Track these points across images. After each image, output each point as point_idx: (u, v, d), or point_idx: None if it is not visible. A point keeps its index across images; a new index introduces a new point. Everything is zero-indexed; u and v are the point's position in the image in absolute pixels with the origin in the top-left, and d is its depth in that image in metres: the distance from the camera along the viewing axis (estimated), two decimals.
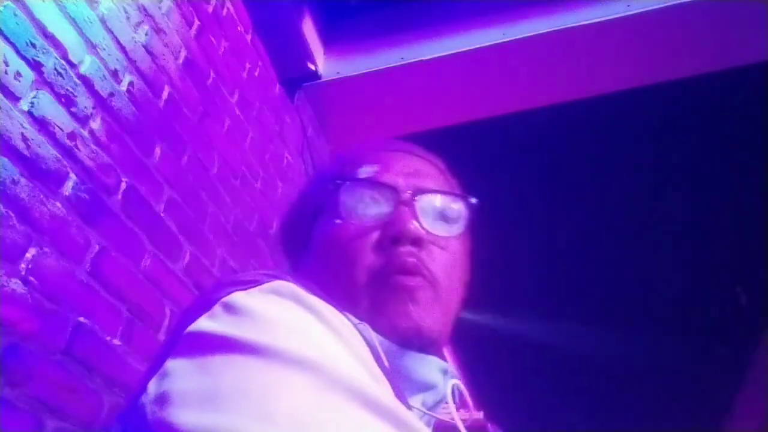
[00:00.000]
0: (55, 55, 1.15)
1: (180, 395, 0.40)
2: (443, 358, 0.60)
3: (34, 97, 1.08)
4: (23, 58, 1.07)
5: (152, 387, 0.43)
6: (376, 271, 0.59)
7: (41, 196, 1.07)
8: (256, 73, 2.04)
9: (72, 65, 1.19)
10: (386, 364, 0.52)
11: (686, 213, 3.05)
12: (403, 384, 0.54)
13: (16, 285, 1.00)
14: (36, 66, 1.09)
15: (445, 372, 0.58)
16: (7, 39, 1.03)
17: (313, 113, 2.40)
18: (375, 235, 0.61)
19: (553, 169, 2.85)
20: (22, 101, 1.06)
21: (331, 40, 2.39)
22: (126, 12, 1.38)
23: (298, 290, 0.49)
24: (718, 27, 2.10)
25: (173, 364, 0.44)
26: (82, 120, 1.20)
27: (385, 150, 0.69)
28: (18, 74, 1.05)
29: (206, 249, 1.60)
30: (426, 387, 0.57)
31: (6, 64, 1.03)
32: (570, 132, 2.62)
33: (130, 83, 1.37)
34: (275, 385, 0.39)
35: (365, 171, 0.65)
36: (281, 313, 0.46)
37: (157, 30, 1.49)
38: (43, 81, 1.11)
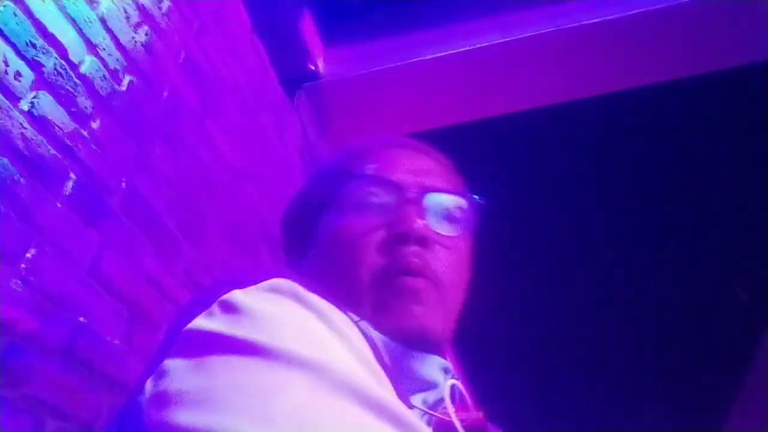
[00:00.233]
0: (55, 55, 1.14)
1: (177, 395, 0.40)
2: (444, 357, 0.60)
3: (34, 97, 1.08)
4: (23, 58, 1.07)
5: (149, 387, 0.43)
6: (380, 271, 0.58)
7: (41, 196, 1.07)
8: (256, 73, 2.04)
9: (72, 65, 1.19)
10: (388, 362, 0.52)
11: (686, 213, 3.05)
12: (404, 382, 0.54)
13: (16, 285, 1.00)
14: (36, 66, 1.09)
15: (446, 371, 0.58)
16: (7, 39, 1.03)
17: (313, 113, 2.40)
18: (380, 233, 0.60)
19: (552, 168, 2.84)
20: (22, 101, 1.05)
21: (331, 40, 2.38)
22: (126, 12, 1.38)
23: (298, 288, 0.48)
24: (718, 27, 2.10)
25: (170, 364, 0.43)
26: (82, 120, 1.20)
27: (391, 146, 0.68)
28: (18, 74, 1.05)
29: (206, 249, 1.60)
30: (427, 386, 0.56)
31: (6, 64, 1.03)
32: (570, 132, 2.62)
33: (130, 83, 1.37)
34: (274, 386, 0.39)
35: (371, 167, 0.64)
36: (280, 312, 0.45)
37: (157, 30, 1.49)
38: (43, 81, 1.11)
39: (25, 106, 1.06)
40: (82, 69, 1.22)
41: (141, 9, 1.44)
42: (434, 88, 2.31)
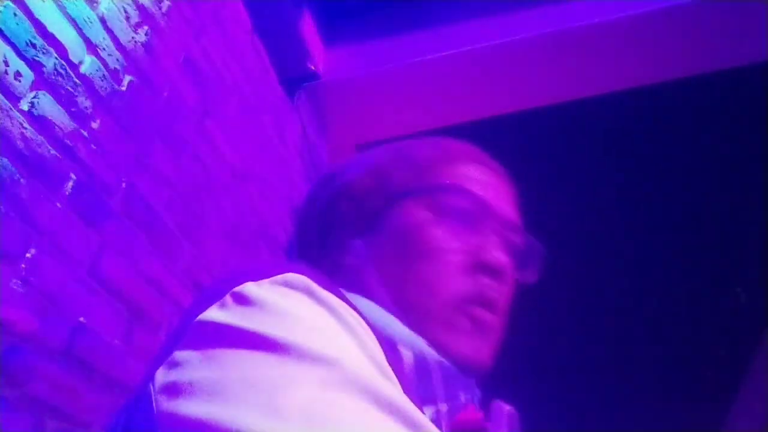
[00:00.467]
0: (55, 55, 1.14)
1: (188, 386, 0.40)
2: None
3: (34, 97, 1.08)
4: (23, 58, 1.07)
5: (159, 377, 0.43)
6: (460, 295, 0.58)
7: (41, 196, 1.07)
8: (256, 73, 2.04)
9: (72, 65, 1.19)
10: (404, 367, 0.53)
11: (686, 213, 3.05)
12: (420, 390, 0.53)
13: (16, 285, 1.00)
14: (36, 66, 1.09)
15: (466, 389, 0.57)
16: (7, 39, 1.03)
17: (313, 113, 2.40)
18: (465, 254, 0.59)
19: (552, 168, 2.84)
20: (22, 101, 1.05)
21: (331, 40, 2.39)
22: (126, 12, 1.38)
23: (312, 284, 0.48)
24: (718, 27, 2.10)
25: (182, 355, 0.43)
26: (82, 120, 1.20)
27: (483, 164, 0.66)
28: (18, 74, 1.05)
29: (206, 249, 1.60)
30: (445, 399, 0.56)
31: (6, 64, 1.03)
32: (570, 132, 2.62)
33: (130, 83, 1.37)
34: (285, 380, 0.39)
35: (470, 181, 0.62)
36: (293, 306, 0.45)
37: (157, 30, 1.49)
38: (43, 81, 1.11)
39: (25, 106, 1.06)
40: (82, 69, 1.22)
41: (141, 9, 1.44)
42: (434, 88, 2.31)
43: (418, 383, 0.54)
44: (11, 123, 1.03)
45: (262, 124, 2.02)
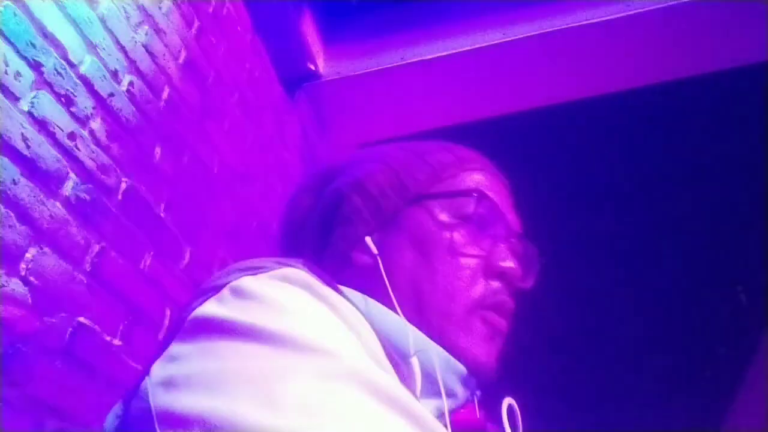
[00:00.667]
0: (55, 55, 1.14)
1: (184, 379, 0.40)
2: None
3: (34, 97, 1.08)
4: (23, 58, 1.07)
5: (156, 370, 0.43)
6: (477, 299, 0.59)
7: (41, 196, 1.07)
8: (256, 73, 2.04)
9: (72, 65, 1.19)
10: (405, 360, 0.53)
11: (686, 213, 3.05)
12: (422, 384, 0.54)
13: (16, 285, 1.00)
14: (36, 66, 1.09)
15: (466, 383, 0.57)
16: (7, 39, 1.03)
17: (313, 113, 2.40)
18: (482, 260, 0.61)
19: (552, 168, 2.84)
20: (22, 101, 1.05)
21: (331, 40, 2.39)
22: (126, 12, 1.38)
23: (310, 279, 0.48)
24: (718, 27, 2.10)
25: (178, 348, 0.43)
26: (82, 120, 1.20)
27: (494, 174, 0.68)
28: (18, 74, 1.05)
29: (206, 249, 1.60)
30: (442, 393, 0.56)
31: (6, 64, 1.03)
32: (570, 132, 2.62)
33: (130, 83, 1.37)
34: (281, 371, 0.39)
35: (486, 190, 0.63)
36: (290, 300, 0.45)
37: (157, 30, 1.49)
38: (43, 81, 1.11)
39: (25, 106, 1.06)
40: (82, 69, 1.22)
41: (141, 9, 1.44)
42: (434, 88, 2.31)
43: (421, 379, 0.54)
44: (11, 123, 1.03)
45: (262, 124, 2.02)
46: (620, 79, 2.29)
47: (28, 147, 1.05)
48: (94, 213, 1.20)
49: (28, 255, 1.03)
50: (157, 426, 0.39)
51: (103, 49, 1.29)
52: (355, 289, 0.57)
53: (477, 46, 2.19)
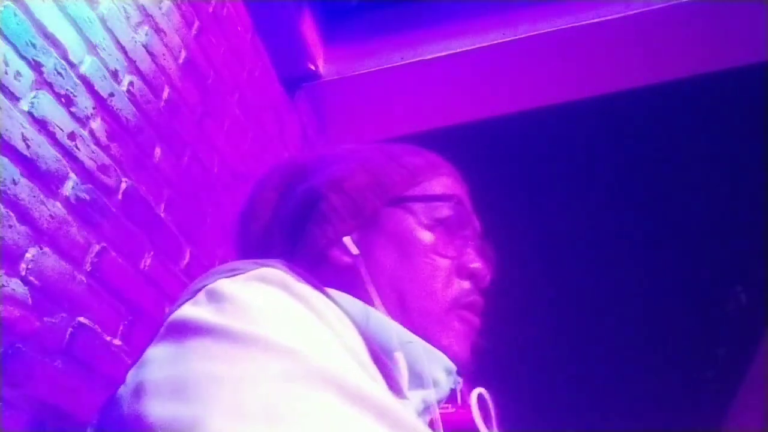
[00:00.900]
0: (55, 55, 1.14)
1: (153, 385, 0.40)
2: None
3: (34, 97, 1.08)
4: (23, 58, 1.07)
5: (130, 377, 0.43)
6: (452, 298, 0.61)
7: (41, 196, 1.07)
8: (256, 73, 2.04)
9: (72, 65, 1.19)
10: (384, 356, 0.54)
11: (686, 213, 3.05)
12: (408, 376, 0.54)
13: (16, 285, 1.00)
14: (36, 66, 1.09)
15: (449, 372, 0.59)
16: (7, 39, 1.03)
17: (313, 113, 2.40)
18: (455, 261, 0.63)
19: (552, 168, 2.84)
20: (22, 101, 1.05)
21: (331, 40, 2.39)
22: (126, 12, 1.38)
23: (287, 278, 0.48)
24: (718, 27, 2.10)
25: (151, 352, 0.43)
26: (82, 120, 1.20)
27: (458, 178, 0.70)
28: (18, 74, 1.05)
29: (206, 249, 1.60)
30: (428, 384, 0.57)
31: (6, 64, 1.03)
32: (569, 132, 2.62)
33: (130, 83, 1.37)
34: (248, 373, 0.38)
35: (455, 193, 0.66)
36: (265, 300, 0.45)
37: (157, 30, 1.49)
38: (43, 81, 1.11)
39: (25, 106, 1.06)
40: (82, 69, 1.22)
41: (141, 9, 1.44)
42: (434, 88, 2.31)
43: (405, 372, 0.55)
44: (11, 123, 1.03)
45: (262, 124, 2.02)
46: (620, 79, 2.29)
47: (28, 147, 1.05)
48: (94, 213, 1.20)
49: (28, 255, 1.03)
50: None
51: (103, 49, 1.29)
52: (337, 286, 0.57)
53: (477, 46, 2.19)
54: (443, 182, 0.67)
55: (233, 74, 1.87)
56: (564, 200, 2.97)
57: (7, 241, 0.99)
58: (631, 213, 3.07)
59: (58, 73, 1.15)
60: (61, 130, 1.14)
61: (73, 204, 1.15)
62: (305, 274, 0.54)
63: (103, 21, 1.29)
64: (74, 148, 1.17)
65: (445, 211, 0.64)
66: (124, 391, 0.42)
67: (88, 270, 1.17)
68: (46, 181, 1.09)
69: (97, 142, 1.23)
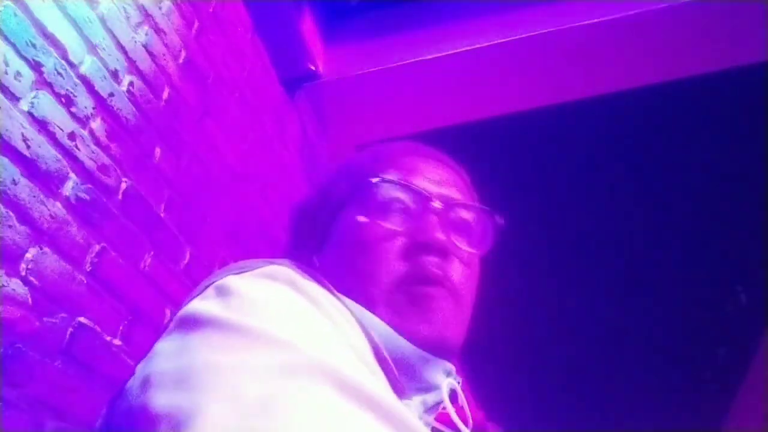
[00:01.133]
0: (55, 55, 1.15)
1: (158, 376, 0.41)
2: (452, 362, 0.60)
3: (34, 97, 1.08)
4: (23, 58, 1.07)
5: (138, 370, 0.44)
6: (400, 277, 0.59)
7: (41, 196, 1.07)
8: (256, 73, 2.04)
9: (72, 65, 1.19)
10: (387, 357, 0.53)
11: (686, 213, 3.05)
12: (403, 380, 0.54)
13: (16, 285, 1.00)
14: (36, 66, 1.09)
15: (448, 374, 0.58)
16: (7, 39, 1.03)
17: (313, 113, 2.40)
18: (401, 239, 0.60)
19: (552, 168, 2.84)
20: (22, 101, 1.06)
21: (331, 40, 2.39)
22: (126, 12, 1.38)
23: (295, 275, 0.49)
24: (718, 27, 2.10)
25: (159, 346, 0.44)
26: (82, 120, 1.20)
27: (416, 154, 0.68)
28: (18, 74, 1.05)
29: (206, 249, 1.60)
30: (428, 387, 0.57)
31: (6, 64, 1.03)
32: (569, 132, 2.62)
33: (130, 83, 1.37)
34: (248, 364, 0.39)
35: (397, 172, 0.64)
36: (271, 296, 0.46)
37: (157, 30, 1.49)
38: (43, 81, 1.11)
39: (25, 106, 1.06)
40: (82, 69, 1.22)
41: (141, 9, 1.44)
42: (434, 88, 2.31)
43: (404, 374, 0.55)
44: (11, 123, 1.03)
45: (262, 124, 2.02)
46: (620, 79, 2.29)
47: (28, 147, 1.06)
48: (94, 213, 1.20)
49: (28, 255, 1.03)
50: (133, 424, 0.40)
51: (103, 49, 1.29)
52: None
53: (477, 46, 2.19)
54: (385, 169, 0.65)
55: (233, 74, 1.87)
56: (564, 200, 2.97)
57: (7, 241, 0.99)
58: (631, 213, 3.07)
59: (58, 73, 1.15)
60: (61, 130, 1.14)
61: (73, 204, 1.15)
62: (314, 272, 0.54)
63: (103, 21, 1.29)
64: (74, 148, 1.17)
65: (380, 195, 0.62)
66: (132, 383, 0.43)
67: (88, 270, 1.17)
68: (46, 181, 1.09)
69: (97, 142, 1.23)
